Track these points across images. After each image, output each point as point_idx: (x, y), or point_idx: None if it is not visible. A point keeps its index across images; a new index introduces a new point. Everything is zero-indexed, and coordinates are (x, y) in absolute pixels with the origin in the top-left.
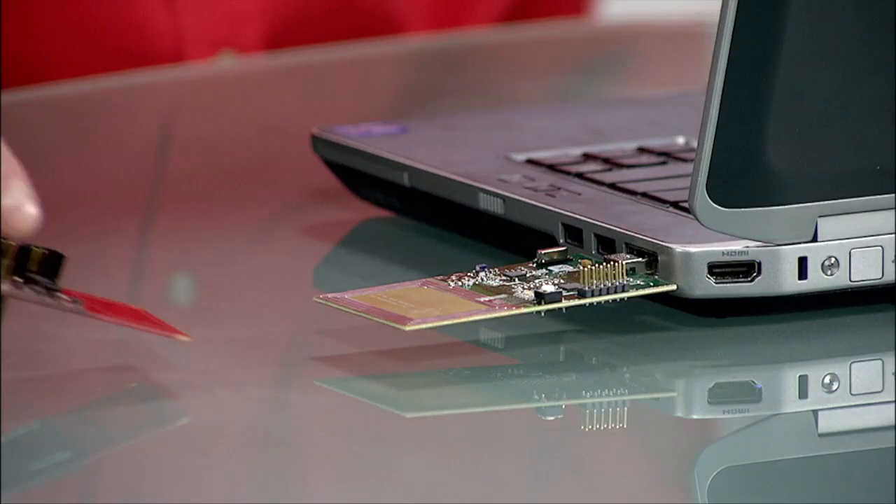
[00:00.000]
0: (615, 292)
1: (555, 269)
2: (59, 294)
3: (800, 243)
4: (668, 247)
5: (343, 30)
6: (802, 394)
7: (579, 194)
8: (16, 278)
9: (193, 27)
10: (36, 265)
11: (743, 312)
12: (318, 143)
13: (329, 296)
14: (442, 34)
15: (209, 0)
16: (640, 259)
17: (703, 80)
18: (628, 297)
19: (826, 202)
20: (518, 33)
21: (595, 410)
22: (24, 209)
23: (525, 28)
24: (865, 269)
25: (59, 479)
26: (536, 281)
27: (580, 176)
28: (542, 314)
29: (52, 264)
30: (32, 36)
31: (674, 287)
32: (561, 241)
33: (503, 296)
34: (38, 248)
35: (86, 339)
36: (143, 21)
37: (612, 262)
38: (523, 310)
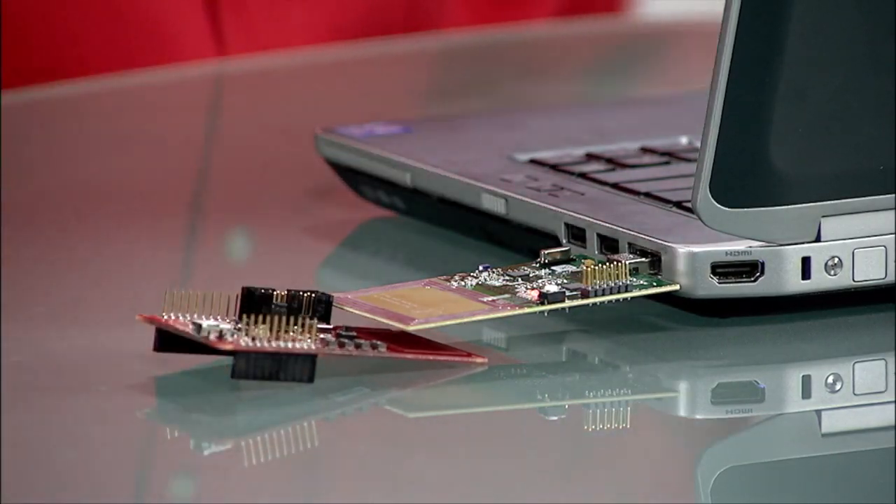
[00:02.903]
0: (618, 292)
1: (558, 269)
2: (360, 341)
3: (803, 243)
4: (671, 247)
5: (383, 25)
6: (805, 394)
7: (582, 194)
8: (322, 336)
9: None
10: (311, 310)
11: (746, 312)
12: (322, 143)
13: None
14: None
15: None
16: (643, 259)
17: (707, 80)
18: (631, 298)
19: (829, 202)
20: (525, 33)
21: (598, 410)
22: None
23: (533, 27)
24: (869, 270)
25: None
26: (539, 281)
27: (583, 176)
28: (545, 314)
29: (325, 306)
30: (74, 27)
31: (677, 287)
32: (564, 241)
33: (506, 296)
34: (305, 292)
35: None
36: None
37: (615, 262)
38: (526, 310)
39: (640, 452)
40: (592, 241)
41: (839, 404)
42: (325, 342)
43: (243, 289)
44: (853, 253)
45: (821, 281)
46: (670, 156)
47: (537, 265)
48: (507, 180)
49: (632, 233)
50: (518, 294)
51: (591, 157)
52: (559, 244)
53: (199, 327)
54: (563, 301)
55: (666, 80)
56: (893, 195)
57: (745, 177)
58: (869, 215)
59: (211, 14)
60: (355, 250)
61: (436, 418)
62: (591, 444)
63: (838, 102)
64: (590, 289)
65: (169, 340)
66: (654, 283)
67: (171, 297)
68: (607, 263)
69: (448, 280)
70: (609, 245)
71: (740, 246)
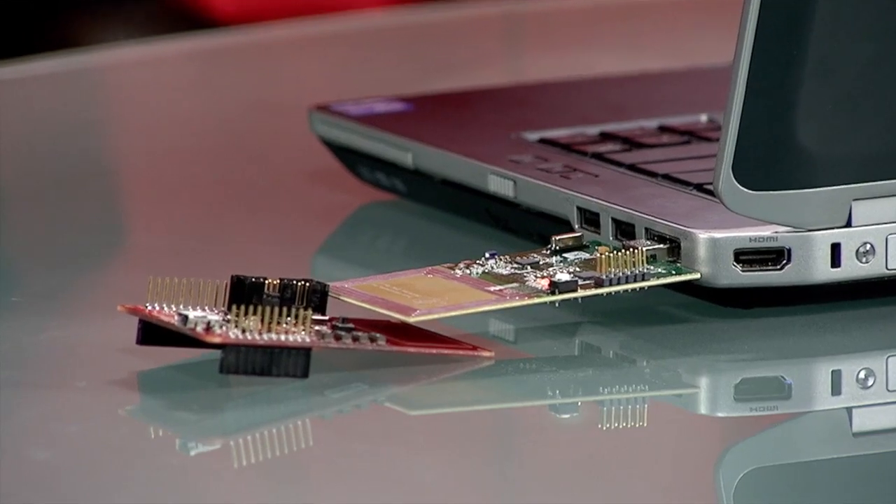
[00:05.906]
0: (634, 281)
1: (570, 256)
2: (358, 334)
3: (832, 228)
4: (691, 232)
5: None
6: (835, 390)
7: (596, 176)
8: (317, 328)
9: None
10: (306, 300)
11: (771, 303)
12: (316, 121)
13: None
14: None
15: None
16: (661, 245)
17: (729, 54)
18: (649, 287)
19: (861, 184)
20: (532, 4)
21: (613, 408)
22: None
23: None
24: None
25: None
26: (550, 269)
27: (597, 156)
28: (557, 304)
29: (320, 296)
30: None
31: (698, 275)
32: (576, 226)
33: (514, 285)
34: (299, 280)
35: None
36: None
37: (631, 249)
38: (536, 300)
39: (657, 452)
40: (607, 227)
41: (871, 401)
42: (320, 334)
43: (233, 277)
44: (886, 239)
45: (851, 269)
46: (691, 135)
47: (548, 252)
48: (515, 161)
49: (649, 217)
50: (527, 283)
51: (605, 136)
52: (571, 229)
53: (185, 318)
54: (575, 290)
55: (685, 54)
56: None
57: (770, 157)
58: None
59: None
60: (353, 236)
61: (439, 416)
62: (605, 444)
63: (869, 78)
64: (604, 277)
65: (153, 332)
66: (673, 272)
67: (156, 285)
68: (623, 250)
69: (452, 268)
70: (625, 230)
71: (765, 231)
